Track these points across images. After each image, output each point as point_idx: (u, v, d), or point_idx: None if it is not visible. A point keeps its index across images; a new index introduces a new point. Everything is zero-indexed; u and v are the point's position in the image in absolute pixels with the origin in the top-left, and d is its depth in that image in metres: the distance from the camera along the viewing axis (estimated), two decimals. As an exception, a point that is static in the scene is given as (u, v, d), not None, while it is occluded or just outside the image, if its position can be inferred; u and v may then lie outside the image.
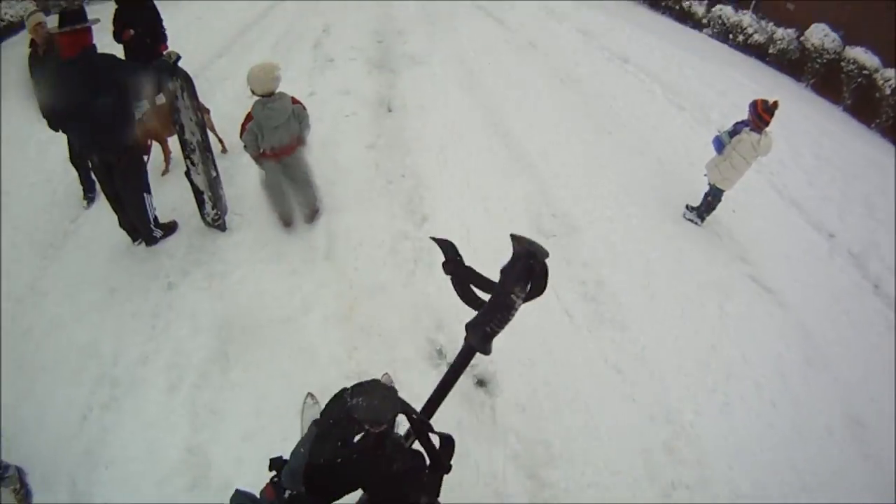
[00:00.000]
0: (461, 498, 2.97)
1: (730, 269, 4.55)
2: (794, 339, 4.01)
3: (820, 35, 8.13)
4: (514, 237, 1.32)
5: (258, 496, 1.04)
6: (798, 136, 6.27)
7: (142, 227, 4.38)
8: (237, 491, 1.01)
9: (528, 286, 1.30)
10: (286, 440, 3.16)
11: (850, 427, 3.53)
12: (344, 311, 3.95)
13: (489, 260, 3.68)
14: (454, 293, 3.98)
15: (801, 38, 8.46)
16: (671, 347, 3.84)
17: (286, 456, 1.18)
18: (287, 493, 1.01)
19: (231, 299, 4.08)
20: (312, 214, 4.76)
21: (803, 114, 6.79)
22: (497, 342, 3.66)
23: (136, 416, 3.34)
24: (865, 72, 7.52)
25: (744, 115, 4.57)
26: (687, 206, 5.06)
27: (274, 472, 1.12)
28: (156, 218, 4.43)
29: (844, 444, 3.44)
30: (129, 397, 3.45)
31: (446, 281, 4.03)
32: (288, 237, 4.66)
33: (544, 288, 1.33)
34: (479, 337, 1.38)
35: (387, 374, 3.41)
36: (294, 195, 4.56)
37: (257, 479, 3.10)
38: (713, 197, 4.81)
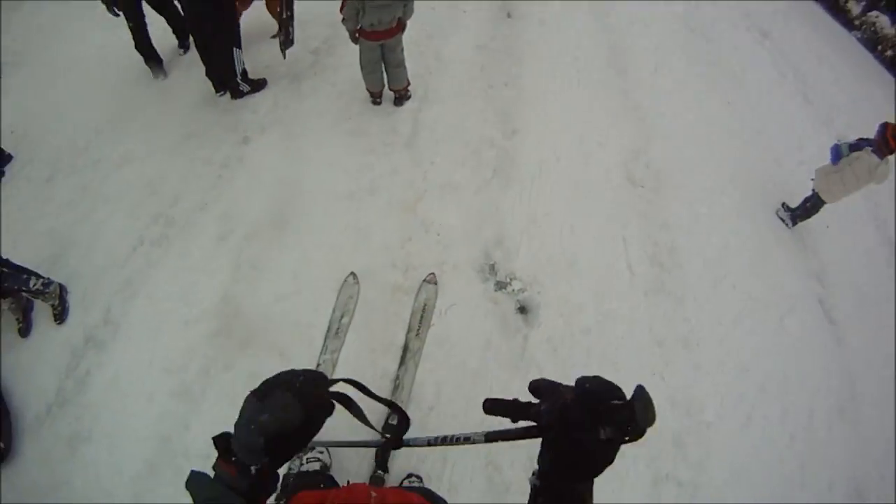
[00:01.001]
0: (464, 414, 2.94)
1: (803, 284, 4.22)
2: (836, 382, 3.80)
3: None
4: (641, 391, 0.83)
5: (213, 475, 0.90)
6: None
7: (229, 78, 4.27)
8: (193, 472, 0.89)
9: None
10: (316, 311, 3.18)
11: (851, 494, 3.46)
12: (409, 201, 3.77)
13: (565, 196, 3.83)
14: (524, 209, 3.75)
15: None
16: (718, 341, 3.63)
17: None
18: (253, 468, 0.87)
19: (302, 164, 3.95)
20: (402, 97, 4.49)
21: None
22: (551, 276, 3.45)
23: (181, 258, 3.41)
24: None
25: (871, 132, 4.02)
26: (783, 205, 4.61)
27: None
28: (245, 72, 4.31)
29: None
30: (180, 239, 3.51)
31: (519, 199, 3.85)
32: (374, 116, 4.41)
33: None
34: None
35: (433, 273, 3.29)
36: (386, 75, 4.28)
37: (278, 340, 3.07)
38: (813, 205, 4.37)
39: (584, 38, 5.82)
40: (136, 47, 4.40)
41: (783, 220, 4.56)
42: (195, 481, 0.89)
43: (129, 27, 4.27)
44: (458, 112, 4.48)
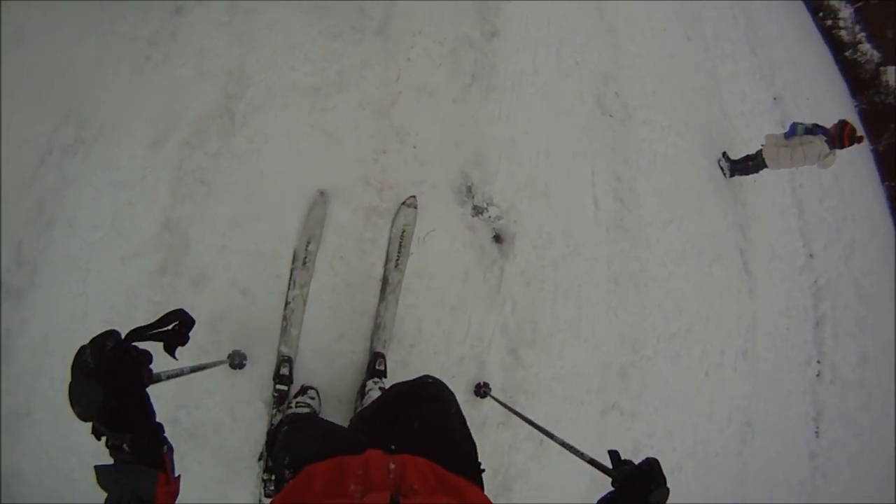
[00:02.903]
0: (445, 350, 2.86)
1: (731, 234, 4.55)
2: (744, 327, 4.29)
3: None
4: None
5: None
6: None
7: None
8: (97, 467, 0.90)
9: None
10: (281, 237, 2.68)
11: (741, 426, 4.04)
12: (383, 104, 3.20)
13: (542, 116, 3.70)
14: (503, 126, 3.49)
15: (881, 69, 7.95)
16: (661, 280, 3.85)
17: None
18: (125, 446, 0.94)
19: (253, 46, 3.06)
20: None
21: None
22: (527, 203, 3.27)
23: (106, 171, 2.61)
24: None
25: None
26: (724, 154, 4.84)
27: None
28: None
29: (731, 437, 3.97)
30: (101, 144, 2.66)
31: (499, 114, 3.59)
32: None
33: None
34: None
35: (413, 196, 2.94)
36: None
37: (239, 276, 2.57)
38: (755, 165, 4.64)
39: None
40: None
41: (722, 170, 4.79)
42: (102, 475, 0.89)
43: None
44: (435, 2, 3.88)
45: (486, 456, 2.88)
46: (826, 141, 4.22)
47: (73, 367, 0.87)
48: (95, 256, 2.48)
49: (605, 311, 3.46)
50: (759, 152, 4.53)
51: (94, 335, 0.91)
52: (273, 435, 1.99)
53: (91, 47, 2.86)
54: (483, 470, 1.34)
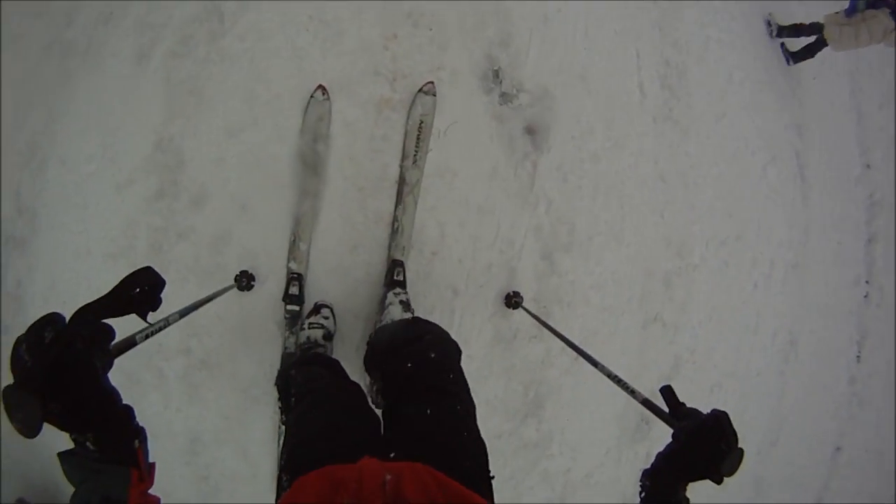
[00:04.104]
0: (471, 257, 2.53)
1: (787, 134, 4.05)
2: (796, 238, 3.88)
3: None
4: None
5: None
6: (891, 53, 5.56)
7: None
8: (61, 455, 0.77)
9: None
10: (282, 141, 2.35)
11: (786, 344, 3.76)
12: None
13: None
14: (534, 2, 2.94)
15: None
16: (711, 179, 3.41)
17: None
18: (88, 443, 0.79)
19: None
20: None
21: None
22: (563, 89, 2.80)
23: (92, 92, 2.40)
24: None
25: None
26: (782, 27, 4.26)
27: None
28: None
29: (774, 355, 3.69)
30: (84, 72, 2.43)
31: None
32: None
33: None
34: None
35: (431, 82, 2.50)
36: None
37: (238, 190, 2.29)
38: (817, 43, 4.13)
39: None
40: None
41: (784, 53, 4.27)
42: (68, 467, 0.81)
43: None
44: None
45: (516, 371, 2.62)
46: (891, 14, 3.76)
47: (11, 367, 0.73)
48: (91, 190, 2.38)
49: (651, 212, 3.07)
50: (820, 32, 4.06)
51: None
52: (284, 373, 1.84)
53: None
54: (493, 477, 1.21)
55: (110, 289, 0.88)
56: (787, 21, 4.23)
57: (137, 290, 0.90)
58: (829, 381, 4.23)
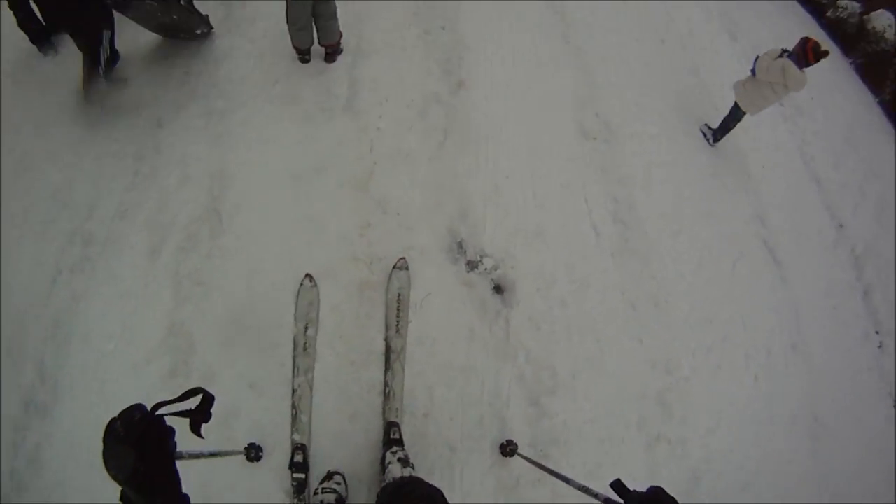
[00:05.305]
0: (461, 414, 2.80)
1: (749, 227, 4.36)
2: (786, 320, 4.02)
3: (883, 22, 7.58)
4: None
5: None
6: (834, 113, 5.93)
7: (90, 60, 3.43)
8: None
9: None
10: (279, 326, 2.79)
11: (809, 423, 3.73)
12: (361, 178, 3.34)
13: (522, 156, 3.67)
14: (484, 175, 3.49)
15: (865, 17, 7.83)
16: (683, 294, 3.68)
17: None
18: None
19: (230, 145, 3.36)
20: (334, 52, 3.93)
21: (843, 92, 6.42)
22: (522, 248, 3.24)
23: (111, 283, 2.89)
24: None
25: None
26: (716, 131, 4.75)
27: None
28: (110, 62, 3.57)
29: (800, 437, 3.65)
30: (104, 259, 2.96)
31: (476, 163, 3.58)
32: (305, 76, 3.83)
33: None
34: None
35: (403, 258, 2.99)
36: (316, 29, 3.74)
37: (245, 370, 2.68)
38: (731, 116, 4.57)
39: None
40: (18, 24, 3.55)
41: (704, 135, 4.77)
42: None
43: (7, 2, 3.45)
44: (396, 65, 4.01)
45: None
46: (790, 59, 4.10)
47: (105, 437, 0.94)
48: (110, 366, 2.71)
49: (629, 339, 3.33)
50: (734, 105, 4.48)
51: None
52: None
53: (87, 170, 3.23)
54: None
55: (180, 394, 1.11)
56: (717, 122, 4.70)
57: (195, 402, 1.13)
58: (873, 441, 4.04)
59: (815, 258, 4.53)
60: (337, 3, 3.64)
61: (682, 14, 5.92)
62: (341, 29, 3.85)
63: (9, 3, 3.44)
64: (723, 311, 3.76)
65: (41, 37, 3.69)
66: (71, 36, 3.43)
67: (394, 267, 2.98)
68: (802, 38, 4.09)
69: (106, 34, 3.43)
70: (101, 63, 3.44)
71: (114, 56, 3.61)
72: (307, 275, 2.87)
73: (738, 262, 4.06)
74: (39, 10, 3.42)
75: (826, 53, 4.06)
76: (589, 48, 4.86)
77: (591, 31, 5.01)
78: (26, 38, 3.62)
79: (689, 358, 3.44)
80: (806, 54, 4.03)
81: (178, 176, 3.20)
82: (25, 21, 3.52)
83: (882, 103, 7.05)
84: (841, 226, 4.90)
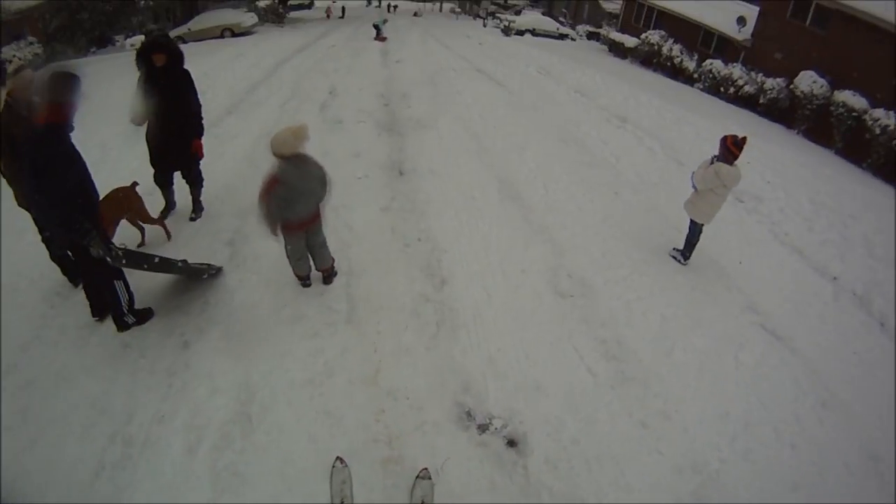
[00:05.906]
0: None
1: (741, 320, 4.74)
2: (807, 383, 4.18)
3: (808, 82, 8.49)
4: None
5: None
6: (794, 183, 6.54)
7: (113, 310, 4.19)
8: None
9: None
10: None
11: (867, 463, 3.69)
12: (369, 376, 4.01)
13: (509, 328, 4.16)
14: (477, 352, 4.23)
15: (791, 87, 8.80)
16: (692, 400, 3.98)
17: None
18: None
19: (251, 360, 4.04)
20: (330, 275, 4.86)
21: (798, 161, 7.08)
22: (525, 403, 3.76)
23: (152, 477, 3.22)
24: (854, 114, 7.85)
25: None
26: (683, 251, 5.38)
27: None
28: (130, 302, 4.22)
29: (864, 480, 3.60)
30: (145, 457, 3.33)
31: (469, 344, 4.41)
32: (308, 298, 4.71)
33: None
34: None
35: (426, 468, 3.36)
36: (312, 258, 4.67)
37: None
38: (691, 233, 5.17)
39: (473, 179, 6.87)
40: (50, 257, 4.37)
41: (675, 258, 5.38)
42: None
43: (42, 237, 4.25)
44: (385, 278, 4.97)
45: None
46: (720, 161, 4.69)
47: None
48: None
49: (647, 454, 3.59)
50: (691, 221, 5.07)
51: None
52: None
53: (122, 382, 3.78)
54: None
55: None
56: (682, 243, 5.33)
57: None
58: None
59: (820, 319, 4.78)
60: (325, 235, 4.58)
61: (628, 162, 7.00)
62: (333, 255, 4.78)
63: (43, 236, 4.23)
64: (737, 402, 4.00)
65: (74, 273, 4.46)
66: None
67: (417, 476, 3.33)
68: (721, 139, 4.78)
69: (118, 284, 4.05)
70: (122, 306, 4.09)
71: (131, 297, 4.19)
72: (338, 457, 3.29)
73: (740, 354, 4.40)
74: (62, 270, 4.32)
75: (745, 140, 4.71)
76: (549, 222, 5.93)
77: (550, 207, 6.07)
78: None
79: (713, 452, 3.62)
80: (729, 150, 4.69)
81: (207, 387, 3.78)
82: (56, 252, 4.33)
83: (839, 151, 7.57)
84: (835, 278, 5.18)
